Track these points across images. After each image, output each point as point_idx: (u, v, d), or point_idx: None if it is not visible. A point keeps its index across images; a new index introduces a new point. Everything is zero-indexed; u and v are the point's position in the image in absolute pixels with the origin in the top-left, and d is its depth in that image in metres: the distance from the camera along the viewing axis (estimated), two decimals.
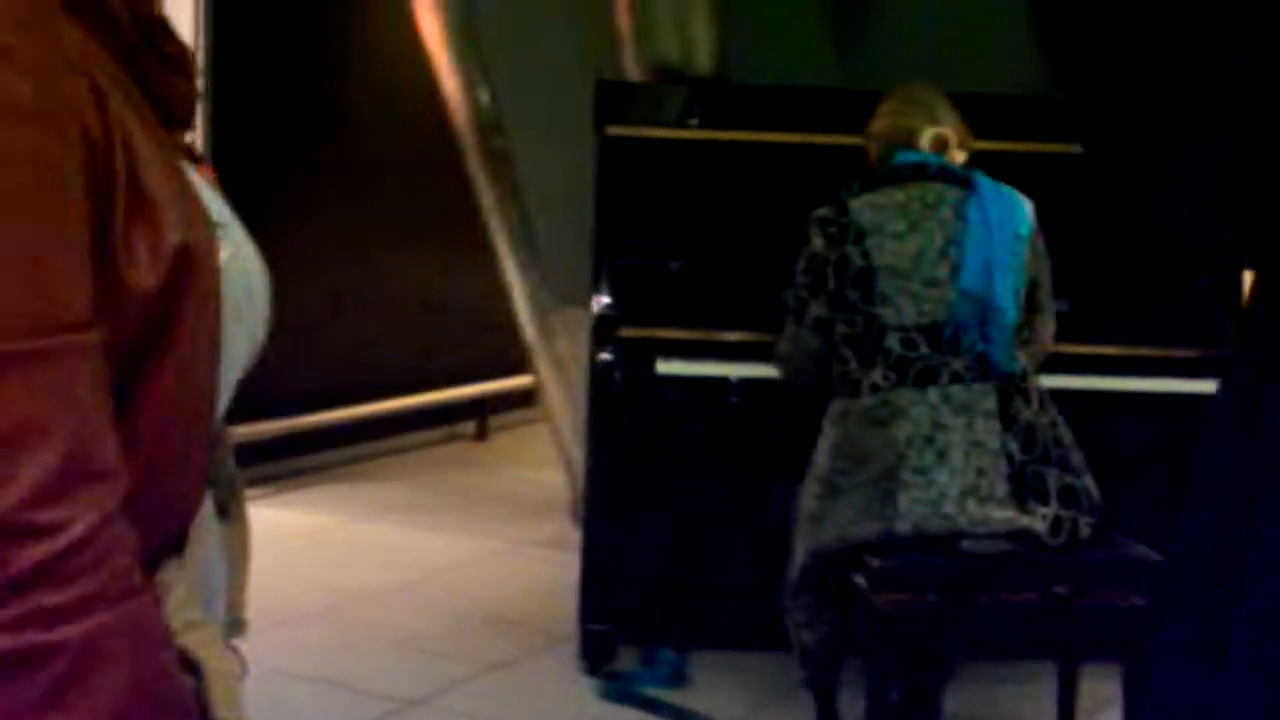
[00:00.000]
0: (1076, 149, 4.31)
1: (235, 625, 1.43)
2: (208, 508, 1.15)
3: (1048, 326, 3.51)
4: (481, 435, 7.21)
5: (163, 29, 1.12)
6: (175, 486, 1.06)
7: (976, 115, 3.85)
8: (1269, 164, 1.96)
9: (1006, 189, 3.42)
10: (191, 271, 1.02)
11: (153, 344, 1.00)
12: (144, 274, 0.98)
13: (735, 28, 4.57)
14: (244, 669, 1.17)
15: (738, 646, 4.17)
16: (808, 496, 3.41)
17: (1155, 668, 2.09)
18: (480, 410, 7.20)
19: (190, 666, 1.04)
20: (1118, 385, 3.92)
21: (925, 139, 3.49)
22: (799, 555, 3.44)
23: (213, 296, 1.07)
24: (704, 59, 4.44)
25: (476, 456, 6.92)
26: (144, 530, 0.96)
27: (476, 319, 7.03)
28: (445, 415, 7.10)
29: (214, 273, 1.07)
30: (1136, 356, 3.99)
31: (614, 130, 4.19)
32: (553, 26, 4.89)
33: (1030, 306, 3.43)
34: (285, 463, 6.23)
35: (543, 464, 6.18)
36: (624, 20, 4.45)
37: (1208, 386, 3.86)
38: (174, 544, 1.08)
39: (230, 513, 1.43)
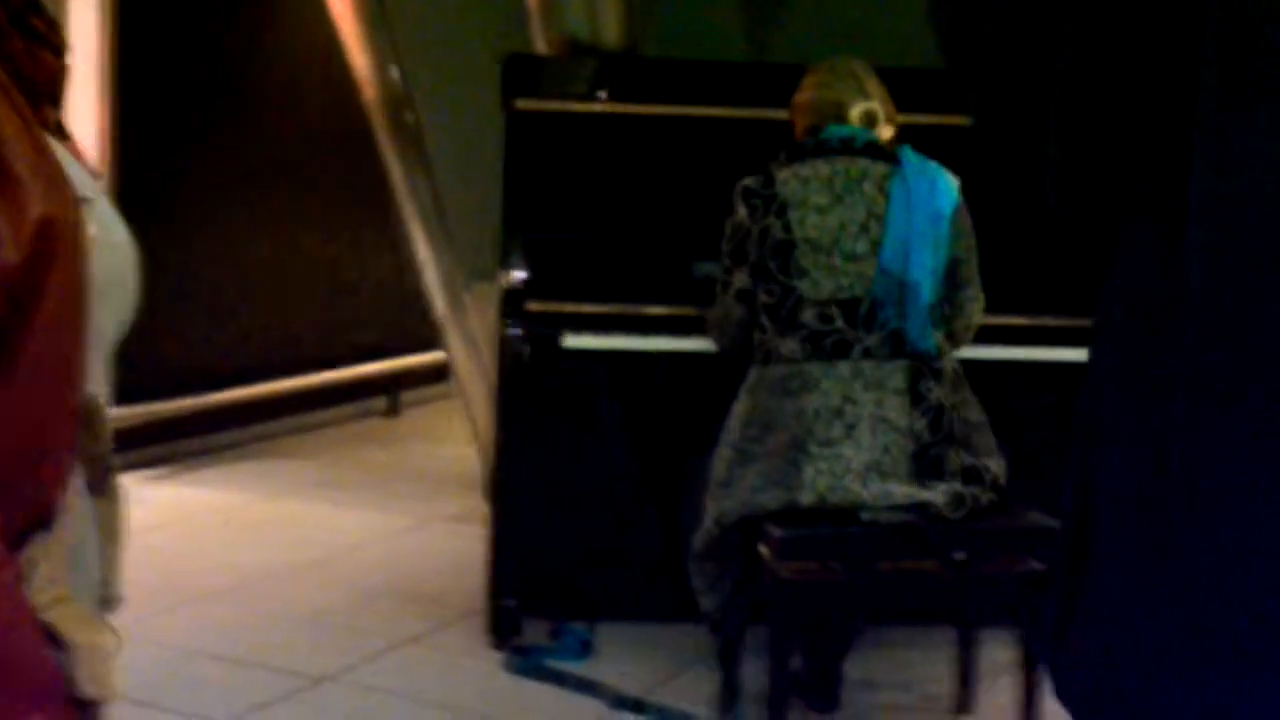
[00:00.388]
0: (969, 121, 4.34)
1: (109, 601, 1.43)
2: (78, 485, 1.15)
3: (974, 302, 3.53)
4: (394, 411, 7.18)
5: (31, 4, 1.11)
6: (40, 462, 1.06)
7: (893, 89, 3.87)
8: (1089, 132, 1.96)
9: (932, 165, 3.43)
10: (55, 247, 1.01)
11: (16, 319, 1.00)
12: (5, 250, 0.97)
13: (645, 2, 4.56)
14: (117, 645, 1.17)
15: (646, 619, 4.19)
16: (719, 462, 3.44)
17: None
18: (392, 387, 7.17)
19: (56, 642, 1.03)
20: (1022, 355, 3.95)
21: (855, 113, 3.50)
22: (706, 521, 3.47)
23: (79, 271, 1.06)
24: (613, 33, 4.43)
25: (388, 433, 6.90)
26: (7, 507, 0.96)
27: (389, 295, 7.01)
28: (357, 392, 7.07)
29: (80, 247, 1.06)
30: (1041, 326, 4.03)
31: (522, 104, 4.18)
32: (462, 2, 4.87)
33: (952, 284, 3.46)
34: (196, 440, 6.18)
35: (455, 440, 6.17)
36: None
37: None
38: (41, 521, 1.08)
39: (104, 489, 1.42)
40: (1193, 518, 1.77)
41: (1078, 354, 3.89)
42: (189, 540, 5.02)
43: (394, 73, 5.05)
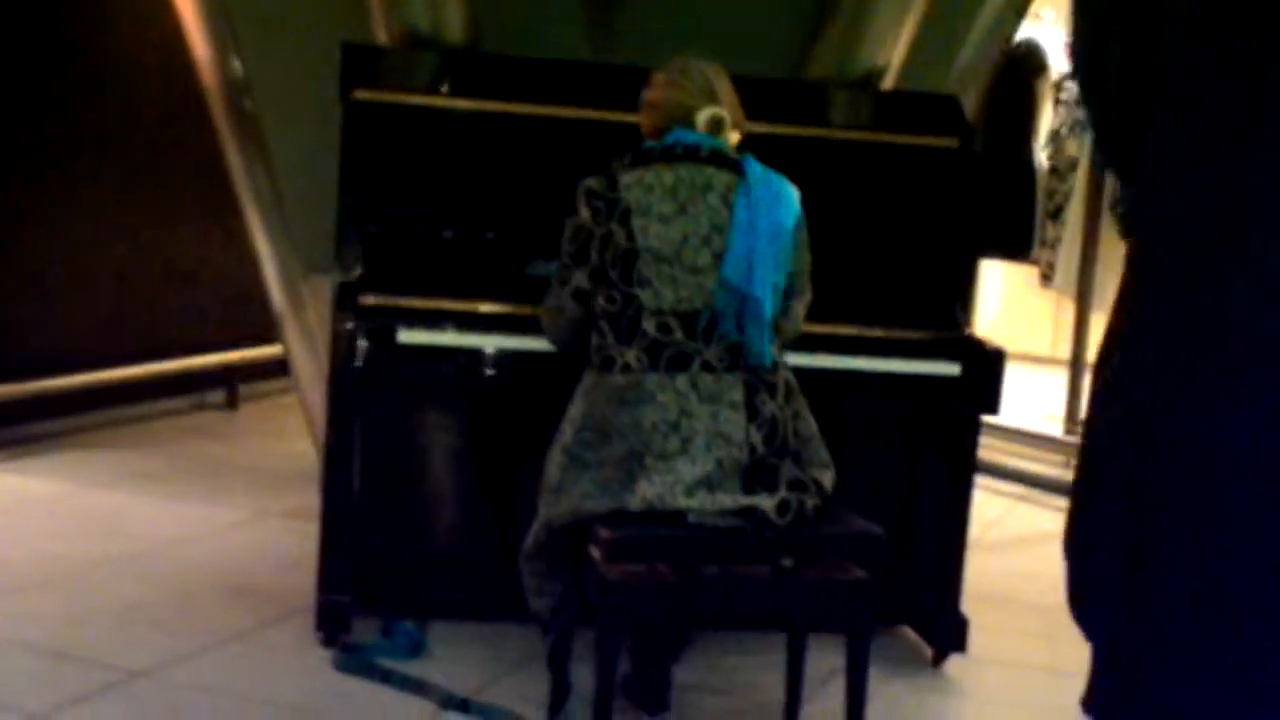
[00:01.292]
0: (820, 132, 4.40)
1: None
2: None
3: (800, 306, 3.57)
4: (232, 404, 7.05)
5: None
6: None
7: None
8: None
9: (776, 177, 3.44)
10: None
11: None
12: None
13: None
14: None
15: (477, 618, 4.17)
16: (551, 465, 3.43)
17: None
18: (231, 379, 7.04)
19: None
20: (850, 365, 4.00)
21: (702, 118, 3.49)
22: (536, 523, 3.46)
23: None
24: (454, 28, 4.40)
25: (225, 426, 6.77)
26: None
27: (229, 286, 6.89)
28: (193, 383, 6.93)
29: None
30: (869, 337, 4.09)
31: (360, 95, 4.14)
32: None
33: (788, 294, 3.48)
34: (22, 428, 6.02)
35: (295, 435, 6.09)
36: None
37: (937, 368, 4.02)
38: None
39: None
40: None
41: (905, 365, 4.01)
42: (9, 530, 4.88)
43: (233, 60, 4.96)
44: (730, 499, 3.26)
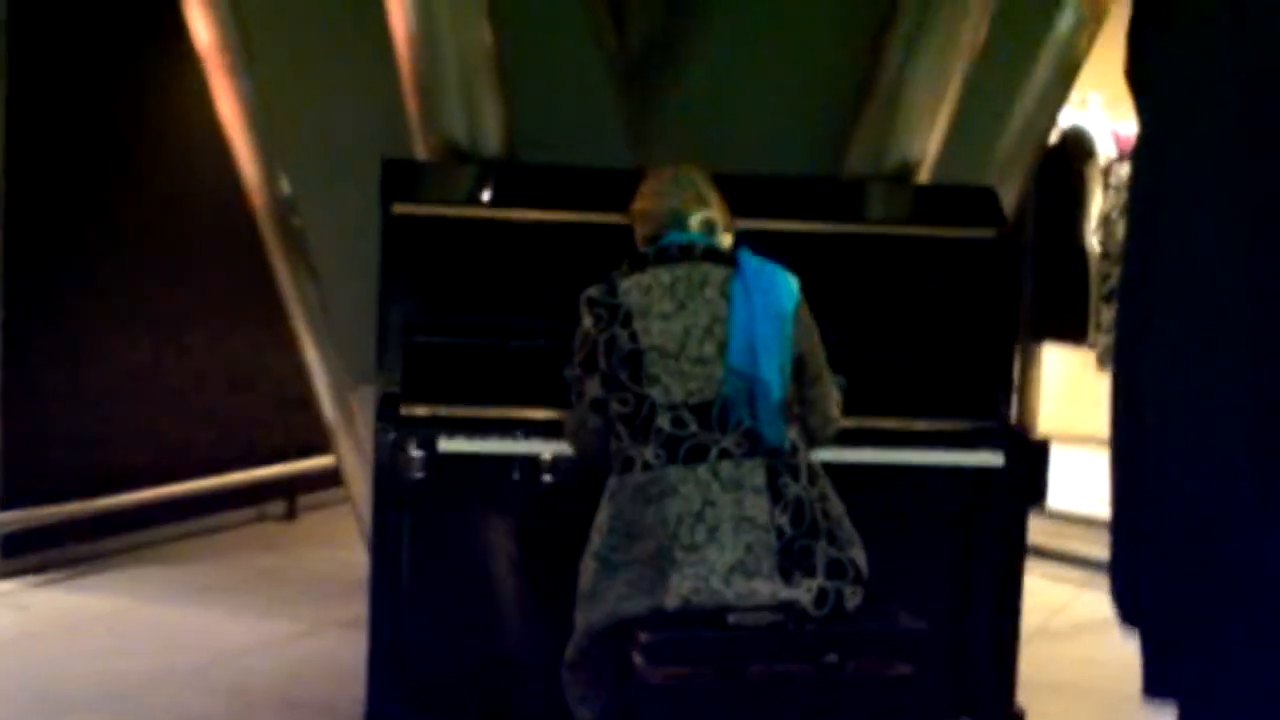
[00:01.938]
0: (857, 228, 4.42)
1: None
2: None
3: (827, 399, 3.57)
4: (291, 515, 7.12)
5: None
6: None
7: (760, 196, 3.93)
8: None
9: (770, 266, 3.47)
10: None
11: None
12: None
13: (526, 110, 4.61)
14: None
15: None
16: (585, 573, 3.44)
17: None
18: (289, 490, 7.11)
19: None
20: (893, 458, 3.99)
21: (694, 222, 3.56)
22: (575, 632, 3.46)
23: None
24: (492, 141, 4.46)
25: (284, 537, 6.83)
26: None
27: (285, 397, 6.97)
28: (253, 495, 7.01)
29: None
30: (912, 430, 4.09)
31: (400, 209, 4.20)
32: (346, 112, 4.89)
33: (803, 381, 3.50)
34: (84, 546, 6.10)
35: (353, 543, 6.11)
36: (412, 104, 4.47)
37: (981, 458, 4.01)
38: None
39: None
40: None
41: (948, 457, 4.00)
42: (69, 648, 4.94)
43: (279, 178, 5.05)
44: (768, 588, 3.25)
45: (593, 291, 3.48)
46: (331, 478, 6.83)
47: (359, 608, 5.26)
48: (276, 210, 5.16)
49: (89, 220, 6.14)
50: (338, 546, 6.51)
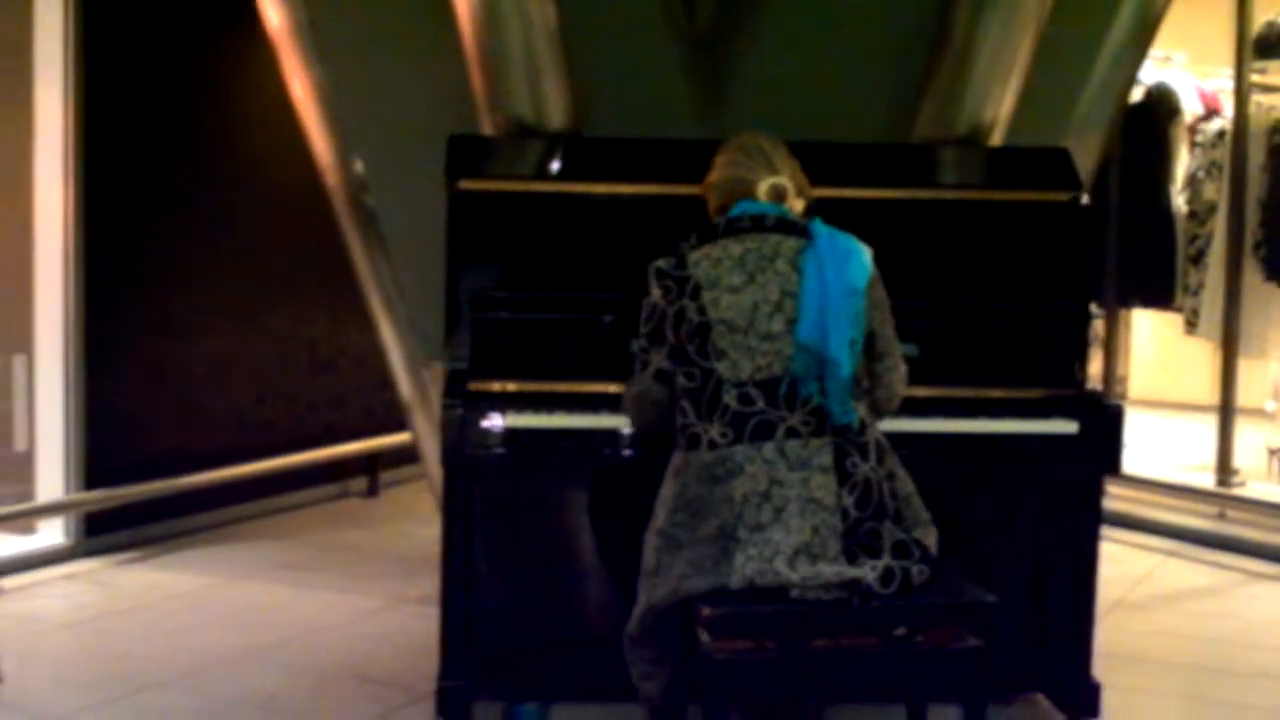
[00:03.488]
0: (928, 194, 4.35)
1: None
2: None
3: (894, 373, 3.51)
4: (373, 491, 7.17)
5: None
6: None
7: (830, 163, 3.88)
8: None
9: (844, 237, 3.41)
10: None
11: None
12: None
13: (593, 84, 4.58)
14: None
15: (601, 698, 4.14)
16: (648, 550, 3.42)
17: None
18: (372, 466, 7.16)
19: None
20: (966, 427, 3.93)
21: (763, 189, 3.51)
22: (638, 608, 3.44)
23: None
24: (558, 116, 4.44)
25: (365, 513, 6.88)
26: None
27: (368, 373, 7.01)
28: (336, 472, 7.06)
29: None
30: (985, 398, 4.03)
31: (466, 184, 4.19)
32: (415, 91, 4.90)
33: (871, 355, 3.45)
34: (168, 524, 6.17)
35: (432, 519, 6.12)
36: (477, 80, 4.46)
37: (1055, 426, 3.94)
38: None
39: None
40: None
41: (1021, 425, 3.93)
42: (150, 625, 5.00)
43: (352, 160, 5.07)
44: (832, 569, 3.21)
45: (661, 263, 3.45)
46: (413, 453, 6.87)
47: (435, 584, 5.31)
48: (350, 190, 5.18)
49: (169, 203, 6.19)
50: (418, 522, 6.54)
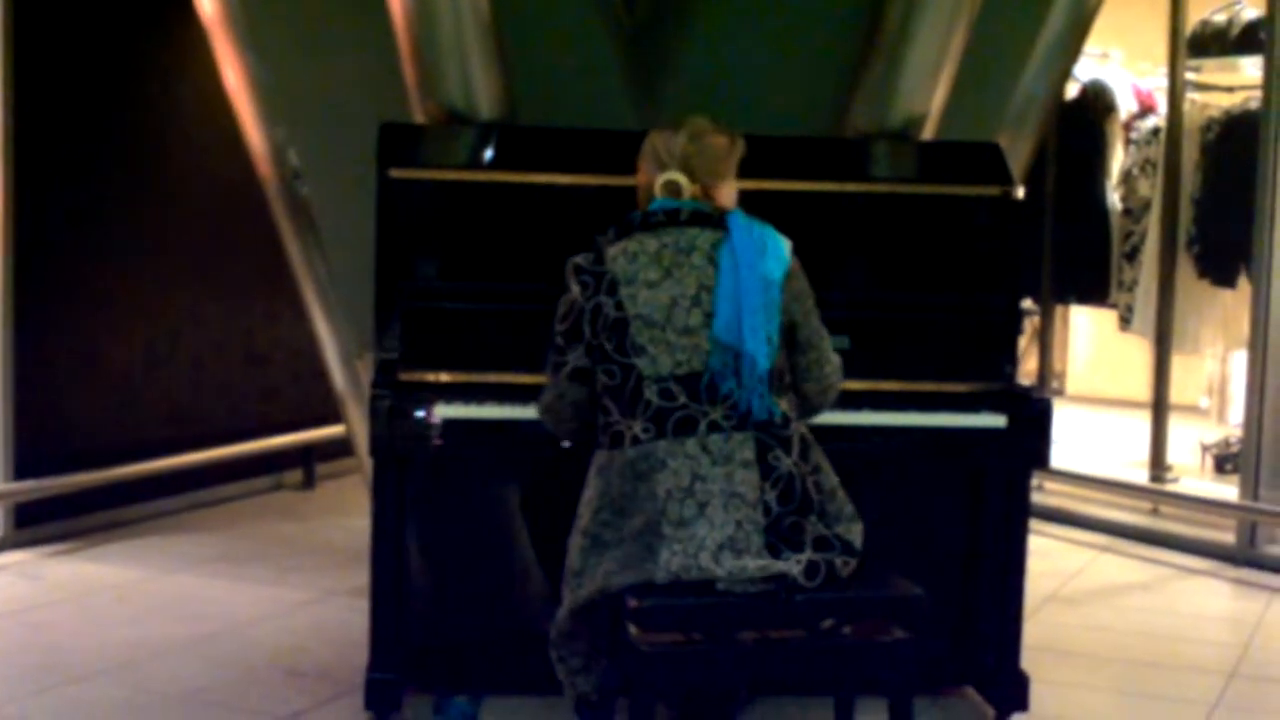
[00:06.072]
0: (859, 187, 4.37)
1: None
2: None
3: (823, 365, 3.49)
4: (308, 484, 7.13)
5: None
6: None
7: (762, 156, 3.88)
8: None
9: (760, 228, 3.38)
10: None
11: None
12: None
13: (526, 74, 4.57)
14: None
15: (533, 691, 4.13)
16: (572, 550, 3.40)
17: None
18: (307, 459, 7.11)
19: None
20: (895, 420, 3.95)
21: (658, 189, 3.46)
22: (561, 610, 3.43)
23: None
24: (490, 104, 4.42)
25: (301, 505, 6.84)
26: None
27: (303, 365, 6.96)
28: (270, 464, 7.01)
29: None
30: (914, 391, 4.04)
31: (397, 173, 4.17)
32: (348, 80, 4.88)
33: (795, 348, 3.44)
34: (100, 515, 6.12)
35: (367, 512, 6.09)
36: (410, 71, 4.44)
37: (983, 420, 3.96)
38: None
39: None
40: None
41: (950, 419, 3.95)
42: (80, 617, 4.96)
43: (286, 149, 5.03)
44: (757, 563, 3.21)
45: (579, 259, 3.43)
46: (349, 447, 6.83)
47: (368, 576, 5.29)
48: (282, 180, 5.14)
49: (102, 193, 6.13)
50: (353, 515, 6.49)
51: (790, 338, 3.39)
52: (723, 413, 3.28)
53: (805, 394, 3.46)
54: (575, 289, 3.39)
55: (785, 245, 3.39)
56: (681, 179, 3.44)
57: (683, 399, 3.29)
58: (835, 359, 3.53)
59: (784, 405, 3.34)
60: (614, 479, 3.31)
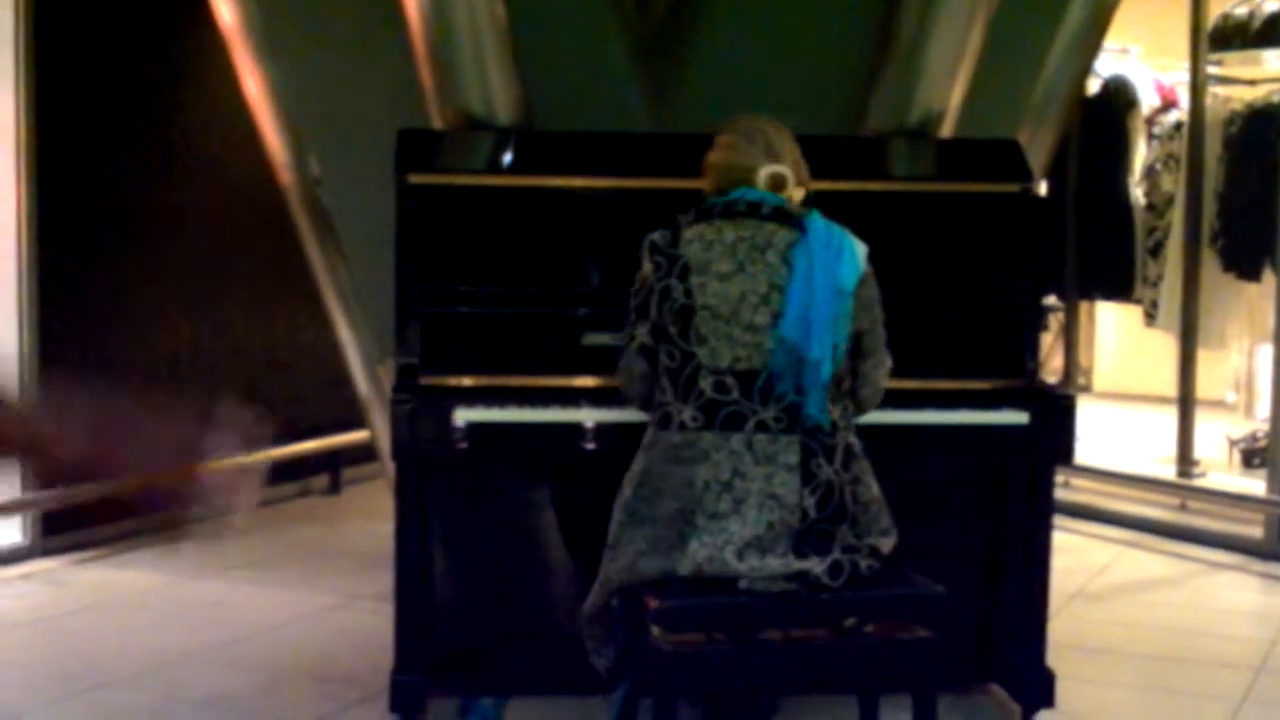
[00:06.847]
0: (879, 186, 4.36)
1: None
2: None
3: (880, 369, 3.52)
4: (335, 489, 7.15)
5: None
6: None
7: None
8: None
9: (839, 232, 3.39)
10: None
11: None
12: None
13: (543, 79, 4.57)
14: None
15: (558, 692, 4.14)
16: (612, 522, 3.43)
17: None
18: (333, 464, 7.13)
19: None
20: (916, 419, 3.93)
21: (762, 177, 3.47)
22: (597, 581, 3.45)
23: None
24: (507, 109, 4.43)
25: (327, 511, 6.86)
26: None
27: (328, 371, 6.96)
28: (297, 470, 7.03)
29: None
30: (936, 390, 4.03)
31: (416, 179, 4.18)
32: (367, 88, 4.89)
33: (857, 354, 3.44)
34: (126, 523, 6.13)
35: (392, 516, 6.11)
36: (426, 75, 4.45)
37: (1005, 417, 3.95)
38: None
39: None
40: None
41: (971, 416, 3.94)
42: (105, 624, 4.98)
43: (306, 156, 5.05)
44: (780, 563, 3.22)
45: (655, 237, 3.44)
46: (375, 451, 6.85)
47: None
48: (304, 188, 5.16)
49: (125, 201, 6.16)
50: (380, 519, 6.46)
51: (855, 344, 3.40)
52: (773, 414, 3.29)
53: (860, 398, 3.47)
54: (648, 267, 3.41)
55: (861, 251, 3.41)
56: (789, 173, 3.47)
57: (735, 394, 3.30)
58: (889, 362, 3.54)
59: (835, 413, 3.34)
60: (657, 459, 3.34)
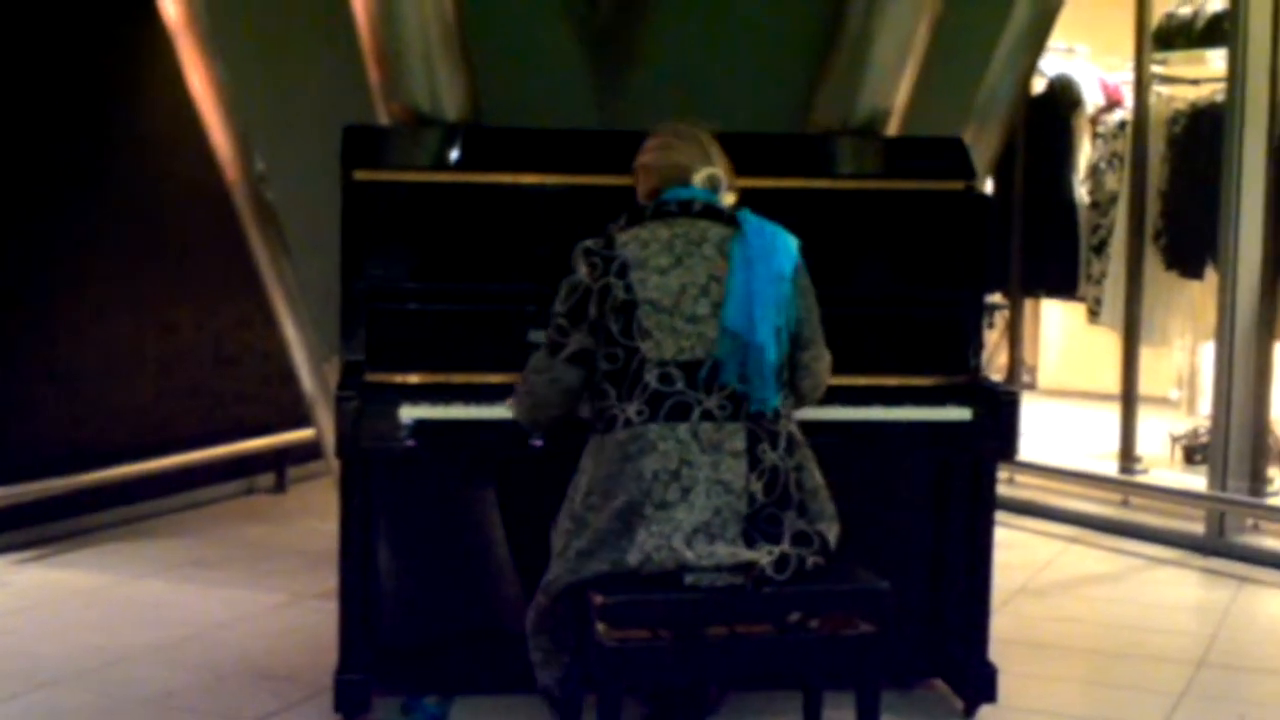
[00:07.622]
0: (824, 184, 4.38)
1: None
2: None
3: (820, 361, 3.55)
4: (281, 487, 7.11)
5: None
6: None
7: (729, 153, 3.87)
8: None
9: (771, 227, 3.44)
10: None
11: None
12: None
13: (491, 75, 4.57)
14: None
15: (503, 691, 4.13)
16: (558, 534, 3.42)
17: None
18: (279, 462, 7.10)
19: None
20: (860, 415, 3.95)
21: (699, 178, 3.52)
22: (538, 591, 3.44)
23: None
24: (455, 105, 4.42)
25: (273, 509, 6.82)
26: None
27: (274, 369, 6.95)
28: (242, 468, 7.00)
29: None
30: (880, 386, 4.05)
31: (361, 175, 4.16)
32: (314, 84, 4.87)
33: (798, 345, 3.46)
34: (69, 522, 6.09)
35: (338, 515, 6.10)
36: (374, 72, 4.43)
37: (948, 414, 3.97)
38: None
39: None
40: None
41: (914, 413, 3.96)
42: (48, 623, 4.94)
43: (252, 152, 5.02)
44: (728, 551, 3.23)
45: (589, 243, 3.44)
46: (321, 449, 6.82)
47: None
48: (250, 185, 5.13)
49: (67, 198, 6.10)
50: (326, 518, 6.44)
51: (794, 335, 3.42)
52: (718, 402, 3.31)
53: (801, 390, 3.50)
54: (583, 270, 3.40)
55: (794, 243, 3.46)
56: (722, 176, 3.53)
57: (680, 384, 3.31)
58: (828, 356, 3.57)
59: (782, 398, 3.37)
60: (604, 462, 3.34)
